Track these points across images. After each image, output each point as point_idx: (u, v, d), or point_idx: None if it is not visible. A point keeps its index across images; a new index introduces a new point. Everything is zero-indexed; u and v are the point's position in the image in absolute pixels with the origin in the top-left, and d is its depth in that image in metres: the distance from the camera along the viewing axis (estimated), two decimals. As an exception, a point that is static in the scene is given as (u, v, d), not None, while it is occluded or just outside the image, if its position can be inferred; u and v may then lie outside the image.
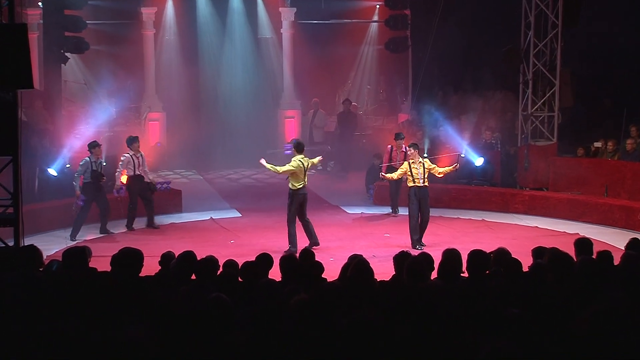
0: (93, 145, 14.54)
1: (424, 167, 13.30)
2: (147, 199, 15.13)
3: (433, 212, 14.14)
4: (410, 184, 13.26)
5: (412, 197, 13.23)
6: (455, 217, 16.13)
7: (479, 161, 17.16)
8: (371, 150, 19.68)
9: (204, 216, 16.17)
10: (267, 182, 20.92)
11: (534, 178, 17.29)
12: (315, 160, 13.17)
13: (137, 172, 14.99)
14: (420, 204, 13.23)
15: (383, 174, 13.94)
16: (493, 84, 20.05)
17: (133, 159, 14.95)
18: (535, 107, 17.32)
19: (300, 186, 12.85)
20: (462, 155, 16.76)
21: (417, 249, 12.57)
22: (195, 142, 21.77)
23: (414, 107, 20.26)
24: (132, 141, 15.16)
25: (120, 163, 15.00)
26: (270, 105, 23.82)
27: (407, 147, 13.99)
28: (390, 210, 16.39)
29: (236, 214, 16.60)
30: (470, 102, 19.48)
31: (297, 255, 8.06)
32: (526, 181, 17.41)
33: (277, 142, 23.59)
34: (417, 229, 13.24)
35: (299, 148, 12.86)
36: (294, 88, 23.72)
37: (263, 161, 12.81)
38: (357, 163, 20.74)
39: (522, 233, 14.57)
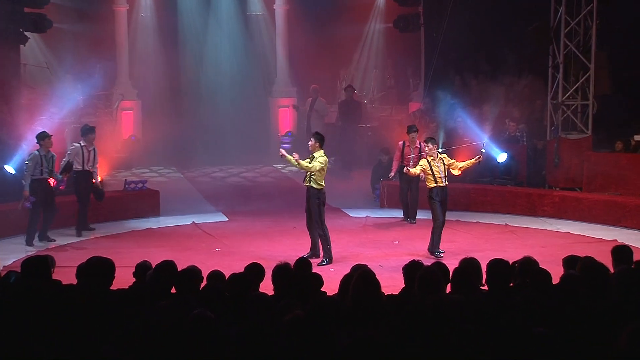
0: (42, 137, 14.51)
1: (444, 164, 13.28)
2: (83, 201, 15.12)
3: (449, 216, 14.12)
4: (431, 184, 13.19)
5: (435, 198, 13.17)
6: (475, 221, 16.15)
7: (501, 157, 17.13)
8: (378, 144, 19.69)
9: (185, 220, 16.19)
10: (257, 181, 20.93)
11: (565, 176, 17.31)
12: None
13: (86, 168, 14.97)
14: (443, 206, 13.26)
15: (408, 169, 13.71)
16: (518, 68, 20.04)
17: (83, 151, 14.95)
18: (567, 95, 17.34)
19: (324, 185, 12.95)
20: (483, 150, 16.76)
21: (438, 256, 12.56)
22: (174, 135, 21.76)
23: (427, 95, 20.28)
24: (88, 132, 15.17)
25: (68, 153, 15.00)
26: (261, 92, 23.84)
27: (423, 143, 13.76)
28: (402, 217, 16.38)
29: (222, 217, 16.62)
30: (492, 89, 19.50)
31: (293, 264, 8.06)
32: (556, 180, 17.43)
33: (269, 135, 23.60)
34: (440, 236, 13.21)
35: (322, 141, 12.93)
36: (288, 73, 23.73)
37: (288, 155, 12.67)
38: (361, 159, 20.76)
39: (552, 240, 14.59)
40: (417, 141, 16.13)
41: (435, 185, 13.18)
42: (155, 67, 22.69)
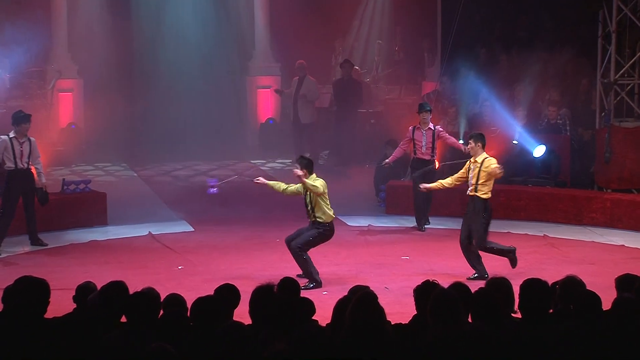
0: None
1: (479, 168, 13.22)
2: (27, 206, 15.05)
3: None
4: (489, 194, 13.23)
5: (490, 214, 13.24)
6: (505, 231, 16.15)
7: (538, 150, 17.19)
8: (383, 135, 19.68)
9: (139, 231, 16.16)
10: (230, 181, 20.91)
11: (618, 175, 17.32)
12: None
13: (21, 166, 14.89)
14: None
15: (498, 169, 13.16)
16: (560, 38, 20.06)
17: (13, 145, 14.87)
18: (621, 72, 17.36)
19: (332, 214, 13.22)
20: (515, 142, 16.77)
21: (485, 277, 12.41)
22: (126, 123, 21.72)
23: (445, 72, 20.29)
24: (21, 120, 15.01)
25: None
26: (235, 70, 23.81)
27: (471, 141, 13.48)
28: (416, 225, 16.42)
29: (186, 227, 16.61)
30: (527, 65, 19.49)
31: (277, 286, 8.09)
32: (608, 179, 17.44)
33: (246, 123, 23.60)
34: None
35: (311, 166, 13.03)
36: (270, 45, 23.70)
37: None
38: (362, 153, 20.75)
39: (602, 255, 14.63)
40: (431, 123, 16.13)
41: (490, 196, 13.21)
42: (102, 36, 22.60)
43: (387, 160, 16.38)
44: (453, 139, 16.33)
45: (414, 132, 16.19)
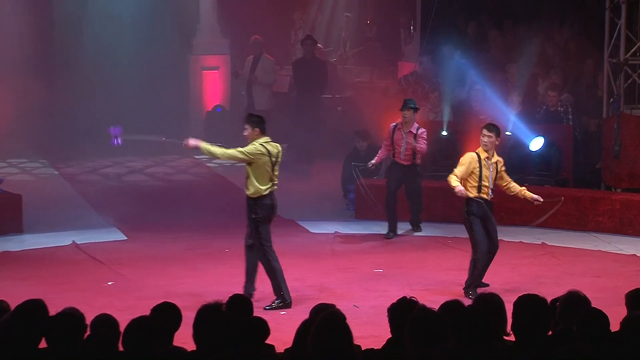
0: None
1: (497, 170, 13.20)
2: None
3: (460, 231, 14.16)
4: (472, 193, 13.06)
5: (473, 214, 13.11)
6: (498, 238, 16.24)
7: (535, 143, 17.26)
8: (352, 125, 19.68)
9: (62, 239, 16.08)
10: (170, 180, 20.89)
11: (629, 171, 17.41)
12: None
13: None
14: (486, 225, 13.21)
15: (461, 190, 13.04)
16: (560, 11, 20.15)
17: None
18: (632, 51, 17.45)
19: (263, 189, 12.79)
20: (508, 133, 16.84)
21: (470, 296, 12.45)
22: (45, 111, 21.61)
23: (426, 51, 20.34)
24: None
25: None
26: (176, 48, 23.74)
27: (485, 130, 13.36)
28: (387, 231, 16.43)
29: (117, 235, 16.55)
30: (523, 43, 19.57)
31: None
32: (617, 177, 17.54)
33: (189, 111, 23.53)
34: (486, 268, 13.26)
35: (262, 124, 12.81)
36: (217, 18, 23.66)
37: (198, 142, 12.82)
38: (327, 147, 20.74)
39: (610, 266, 14.71)
40: (416, 124, 16.05)
41: (477, 195, 13.04)
42: (14, 8, 22.48)
43: (372, 162, 16.29)
44: (422, 147, 16.10)
45: (394, 132, 16.11)
